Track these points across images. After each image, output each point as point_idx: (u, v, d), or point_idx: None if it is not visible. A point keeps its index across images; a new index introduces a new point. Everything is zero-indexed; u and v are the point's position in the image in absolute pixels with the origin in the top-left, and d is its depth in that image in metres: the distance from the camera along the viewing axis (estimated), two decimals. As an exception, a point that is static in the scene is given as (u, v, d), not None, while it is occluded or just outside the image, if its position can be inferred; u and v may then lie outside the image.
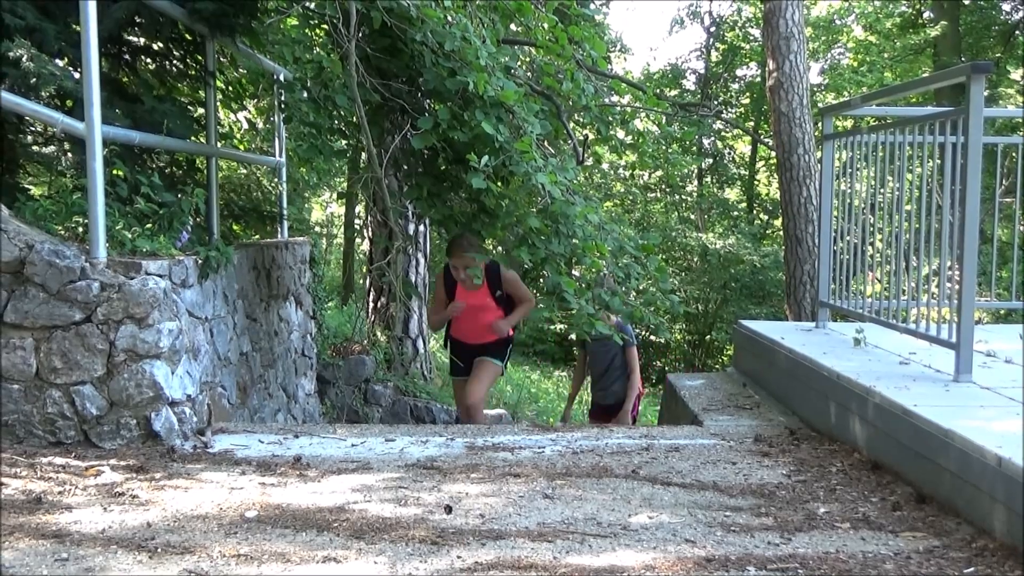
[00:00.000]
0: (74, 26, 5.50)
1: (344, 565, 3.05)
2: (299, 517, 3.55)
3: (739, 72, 30.62)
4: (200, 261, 5.46)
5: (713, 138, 29.53)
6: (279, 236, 8.43)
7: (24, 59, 5.02)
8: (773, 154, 15.51)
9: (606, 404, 7.62)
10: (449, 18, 6.24)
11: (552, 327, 20.97)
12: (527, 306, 7.04)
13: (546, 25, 7.02)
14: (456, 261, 6.75)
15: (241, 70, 8.68)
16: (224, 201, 7.88)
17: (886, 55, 25.54)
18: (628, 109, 8.52)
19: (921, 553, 3.15)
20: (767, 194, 29.36)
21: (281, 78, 7.64)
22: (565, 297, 6.36)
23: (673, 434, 5.15)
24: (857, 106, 6.29)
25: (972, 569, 3.00)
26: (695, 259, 24.63)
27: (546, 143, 7.69)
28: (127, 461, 4.31)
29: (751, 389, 6.25)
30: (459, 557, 3.12)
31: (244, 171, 10.28)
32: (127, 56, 7.04)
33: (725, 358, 22.36)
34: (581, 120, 9.62)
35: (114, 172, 5.38)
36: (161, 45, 7.23)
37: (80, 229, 4.86)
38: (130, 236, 4.94)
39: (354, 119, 6.46)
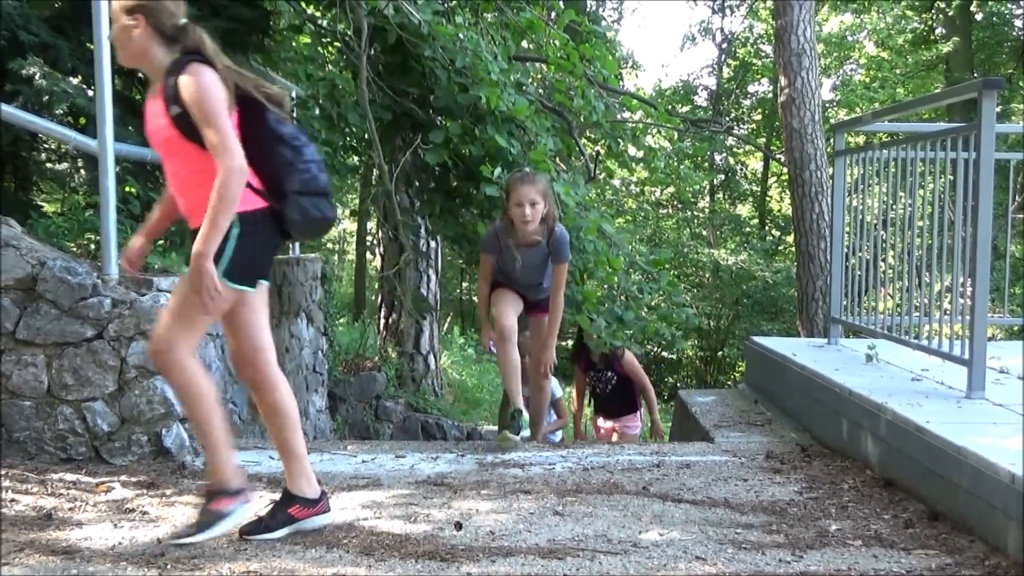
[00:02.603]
0: (87, 44, 5.53)
1: (353, 582, 3.05)
2: (308, 534, 3.54)
3: (751, 88, 30.65)
4: (212, 277, 5.46)
5: (725, 154, 29.51)
6: (290, 252, 8.44)
7: (37, 76, 5.06)
8: (785, 170, 15.50)
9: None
10: (461, 35, 6.27)
11: (563, 343, 20.89)
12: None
13: (557, 43, 7.06)
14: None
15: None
16: (236, 218, 7.88)
17: (898, 71, 25.52)
18: (640, 125, 8.53)
19: (934, 571, 3.13)
20: (779, 210, 29.31)
21: (293, 95, 7.67)
22: (581, 309, 6.36)
23: (684, 451, 5.13)
24: (869, 122, 6.28)
25: (985, 587, 2.98)
26: (707, 275, 24.58)
27: (558, 159, 7.70)
28: (138, 477, 4.31)
29: (763, 405, 6.22)
30: (469, 574, 3.11)
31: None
32: (140, 74, 7.08)
33: (737, 374, 22.29)
34: (592, 137, 9.64)
35: (126, 189, 5.41)
36: (174, 63, 7.26)
37: (92, 246, 4.88)
38: (142, 253, 4.95)
39: (366, 136, 6.49)
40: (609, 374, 7.22)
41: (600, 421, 7.68)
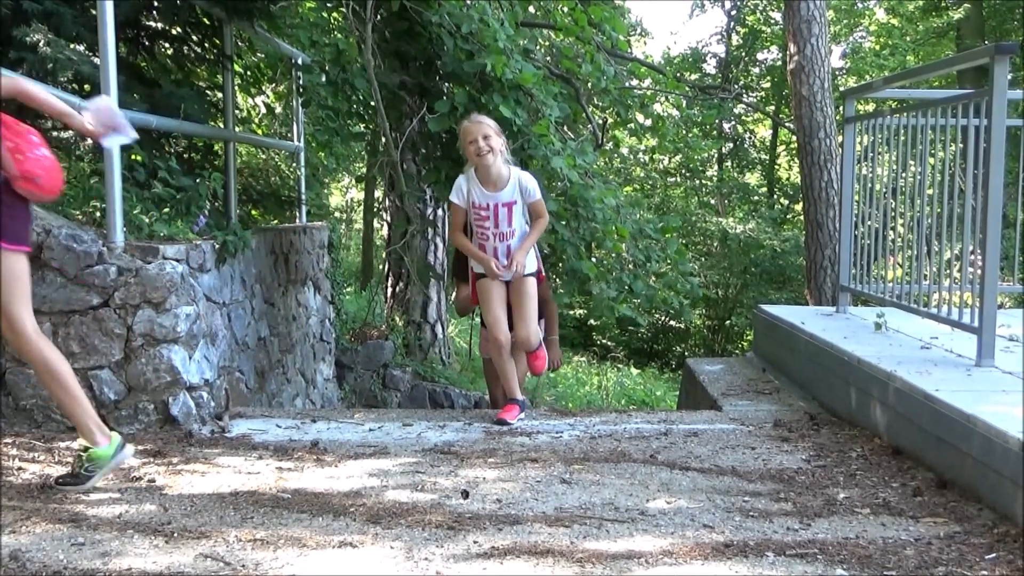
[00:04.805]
0: (91, 11, 5.49)
1: (360, 550, 3.05)
2: (315, 502, 3.54)
3: (760, 56, 30.41)
4: (218, 245, 5.46)
5: (733, 122, 29.37)
6: (297, 221, 8.43)
7: (41, 44, 5.02)
8: (794, 138, 15.40)
9: None
10: (467, 0, 6.21)
11: (572, 312, 20.89)
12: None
13: (565, 8, 6.99)
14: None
15: (259, 54, 8.67)
16: (242, 186, 7.88)
17: (908, 38, 25.28)
18: (648, 92, 8.46)
19: (942, 539, 3.12)
20: (788, 179, 29.21)
21: (299, 62, 7.62)
22: (585, 281, 6.33)
23: (692, 419, 5.13)
24: (879, 88, 6.22)
25: (994, 555, 2.97)
26: (715, 244, 24.52)
27: (565, 127, 7.62)
28: (145, 446, 4.31)
29: (771, 374, 6.21)
30: (476, 542, 3.10)
31: (263, 156, 10.28)
32: (145, 41, 7.04)
33: (745, 343, 22.28)
34: (600, 104, 9.57)
35: (132, 157, 5.38)
36: (179, 30, 7.22)
37: (98, 214, 4.87)
38: (147, 220, 4.94)
39: (372, 103, 6.45)
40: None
41: None
